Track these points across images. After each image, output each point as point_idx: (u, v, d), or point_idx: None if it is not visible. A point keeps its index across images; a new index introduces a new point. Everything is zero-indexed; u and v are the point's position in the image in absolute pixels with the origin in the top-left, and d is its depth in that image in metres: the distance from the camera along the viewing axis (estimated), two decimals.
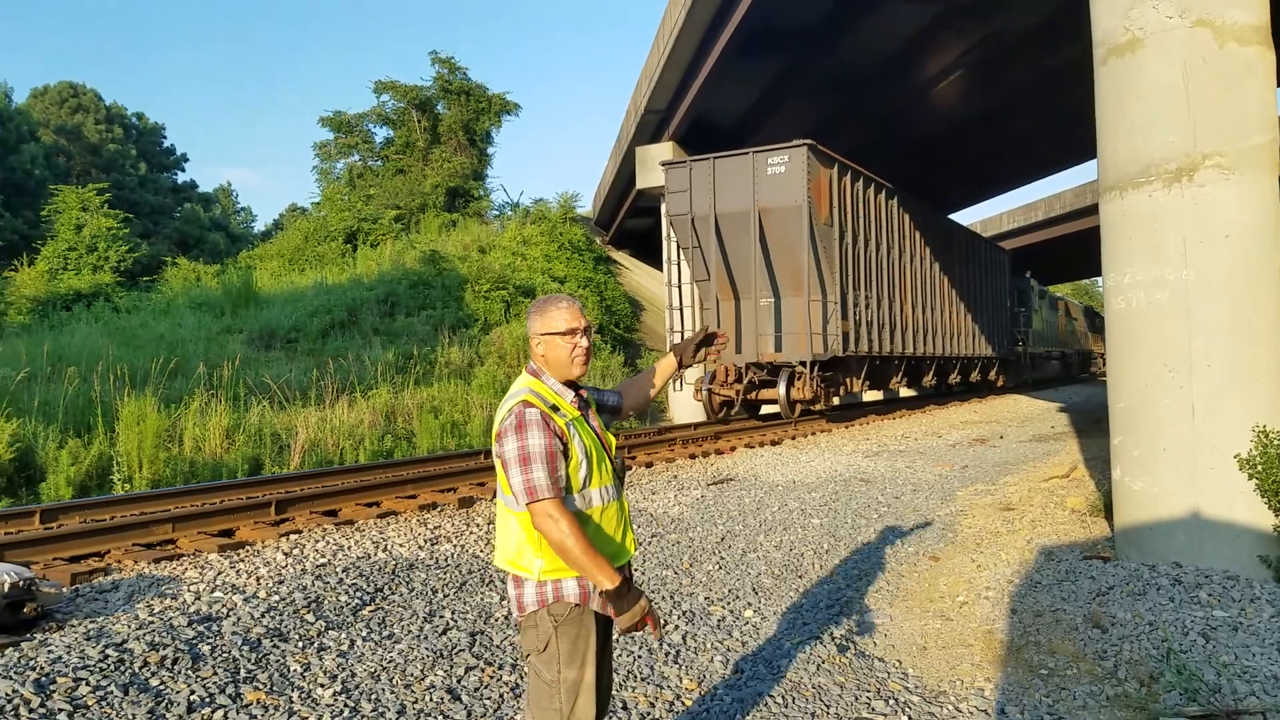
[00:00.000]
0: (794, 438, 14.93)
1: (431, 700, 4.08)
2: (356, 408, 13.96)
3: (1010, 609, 5.55)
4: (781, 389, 15.69)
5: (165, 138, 51.25)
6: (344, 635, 4.85)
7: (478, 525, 7.67)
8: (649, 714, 4.01)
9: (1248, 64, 6.09)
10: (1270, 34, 6.17)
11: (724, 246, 16.17)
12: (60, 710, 3.72)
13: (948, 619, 5.47)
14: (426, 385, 16.15)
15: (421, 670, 4.41)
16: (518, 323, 21.71)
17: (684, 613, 5.41)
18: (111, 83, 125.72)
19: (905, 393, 23.52)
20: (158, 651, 4.37)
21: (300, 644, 4.69)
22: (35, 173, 35.76)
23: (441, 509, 8.32)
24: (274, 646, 4.62)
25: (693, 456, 12.32)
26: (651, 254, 30.88)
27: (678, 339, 17.78)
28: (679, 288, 18.02)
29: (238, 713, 3.86)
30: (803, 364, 15.39)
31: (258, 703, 3.97)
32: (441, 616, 5.22)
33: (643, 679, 4.39)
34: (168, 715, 3.78)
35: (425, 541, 7.00)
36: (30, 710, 3.70)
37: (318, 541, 6.89)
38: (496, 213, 36.02)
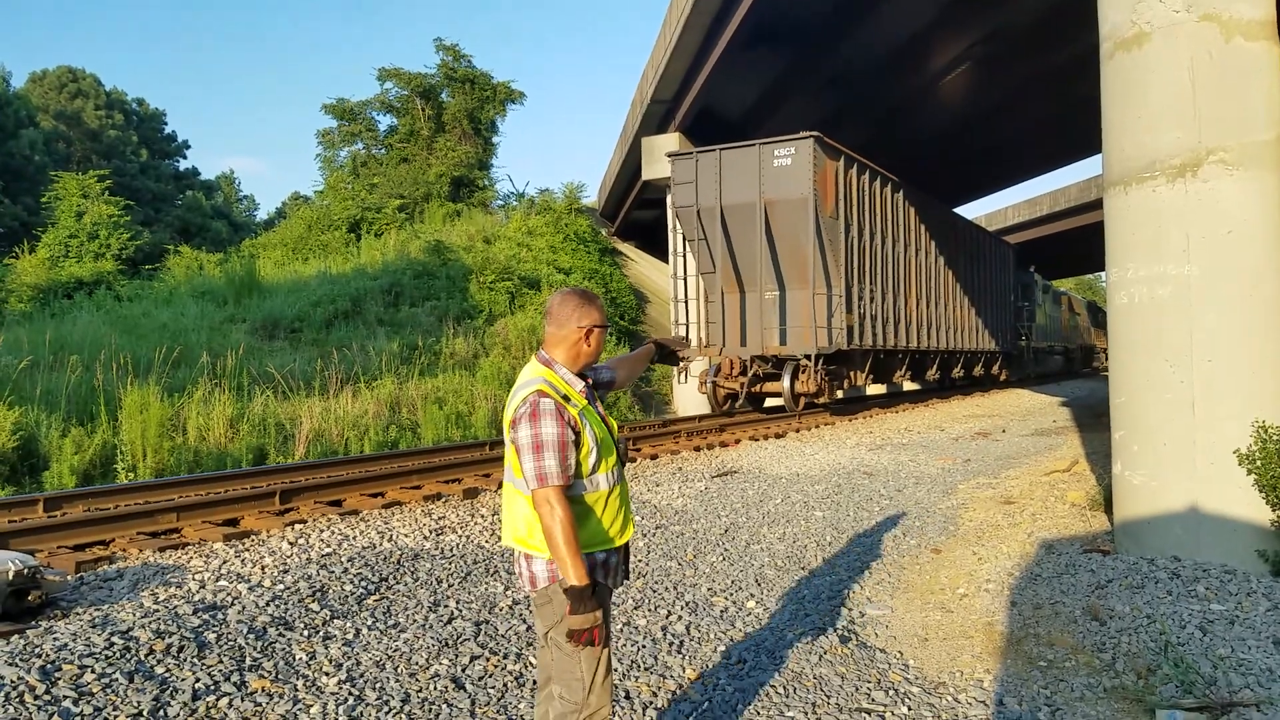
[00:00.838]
0: (798, 430, 14.95)
1: (436, 689, 4.12)
2: (361, 398, 13.99)
3: (1010, 601, 5.58)
4: (786, 382, 15.70)
5: (166, 124, 51.25)
6: (349, 624, 4.89)
7: (482, 516, 7.70)
8: (652, 703, 4.04)
9: (1254, 59, 6.08)
10: (1276, 29, 6.16)
11: (729, 239, 16.17)
12: (66, 697, 3.76)
13: (948, 611, 5.50)
14: (431, 376, 16.18)
15: (426, 659, 4.45)
16: (522, 314, 21.72)
17: (687, 603, 5.45)
18: (111, 68, 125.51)
19: (908, 386, 23.53)
20: (163, 639, 4.41)
21: (305, 633, 4.73)
22: (35, 158, 35.77)
23: (446, 499, 8.36)
24: (279, 635, 4.66)
25: (697, 449, 12.36)
26: (657, 246, 30.85)
27: (683, 331, 17.79)
28: (684, 280, 18.03)
29: (243, 700, 3.90)
30: (807, 357, 15.40)
31: (263, 691, 4.01)
32: (446, 606, 5.25)
33: (646, 668, 4.43)
34: (173, 703, 3.82)
35: (430, 532, 7.04)
36: (36, 697, 3.74)
37: (323, 531, 6.93)
38: (501, 203, 36.00)
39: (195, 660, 4.25)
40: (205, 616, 4.81)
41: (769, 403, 17.92)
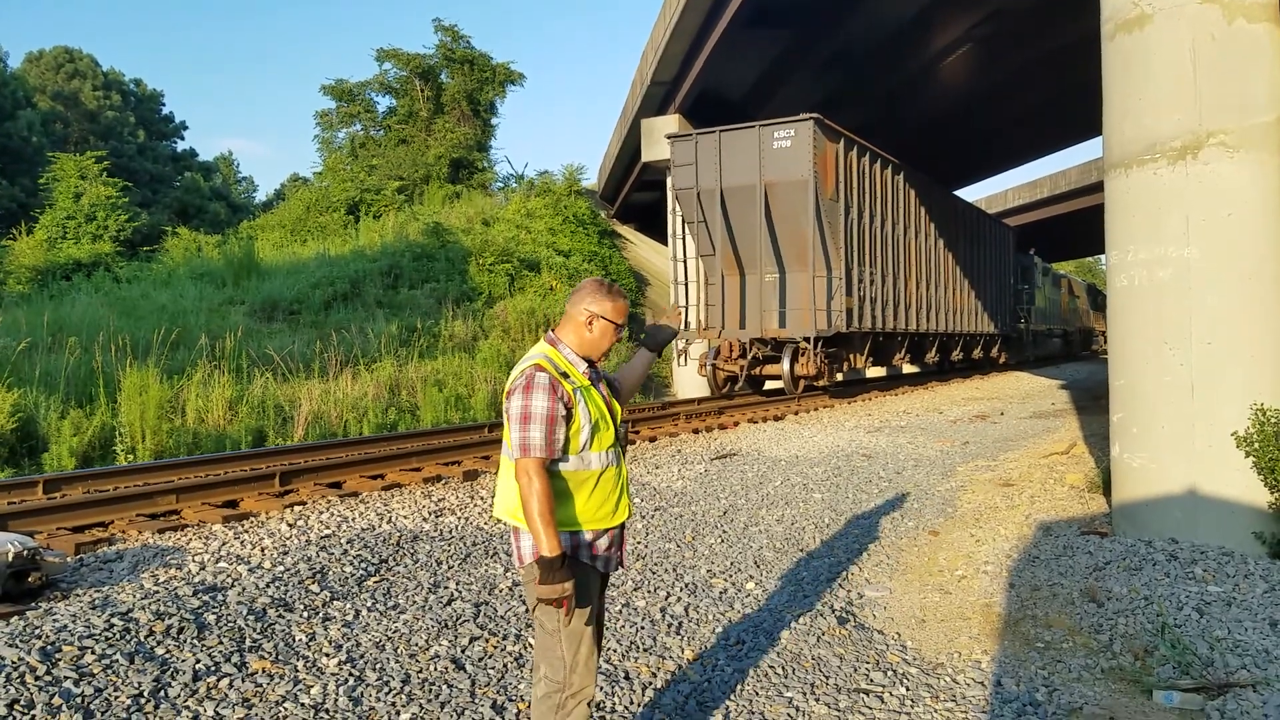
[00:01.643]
0: (797, 413, 14.97)
1: (436, 670, 4.13)
2: (360, 380, 13.99)
3: (1008, 583, 5.60)
4: (785, 364, 15.70)
5: (164, 105, 50.94)
6: (349, 605, 4.90)
7: (482, 498, 7.72)
8: (651, 684, 4.06)
9: (1255, 41, 6.04)
10: (1278, 11, 6.12)
11: (729, 221, 16.12)
12: (66, 678, 3.78)
13: (946, 592, 5.52)
14: (430, 358, 16.17)
15: (426, 640, 4.46)
16: (521, 296, 21.68)
17: (686, 585, 5.47)
18: (109, 48, 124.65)
19: (908, 369, 23.53)
20: (163, 621, 4.42)
21: (305, 614, 4.74)
22: (32, 139, 35.57)
23: (446, 481, 8.37)
24: (279, 616, 4.67)
25: (696, 431, 12.37)
26: (657, 228, 30.77)
27: (682, 314, 17.74)
28: (684, 262, 18.00)
29: (243, 681, 3.92)
30: (806, 340, 15.40)
31: (263, 671, 4.03)
32: (446, 587, 5.27)
33: (645, 649, 4.45)
34: (173, 683, 3.84)
35: (429, 514, 7.06)
36: (36, 678, 3.75)
37: (322, 513, 6.94)
38: (500, 185, 35.88)
39: (195, 641, 4.26)
40: (205, 598, 4.82)
41: (768, 385, 17.93)
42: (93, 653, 4.02)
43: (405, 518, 6.89)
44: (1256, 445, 5.86)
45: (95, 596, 4.79)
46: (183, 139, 51.94)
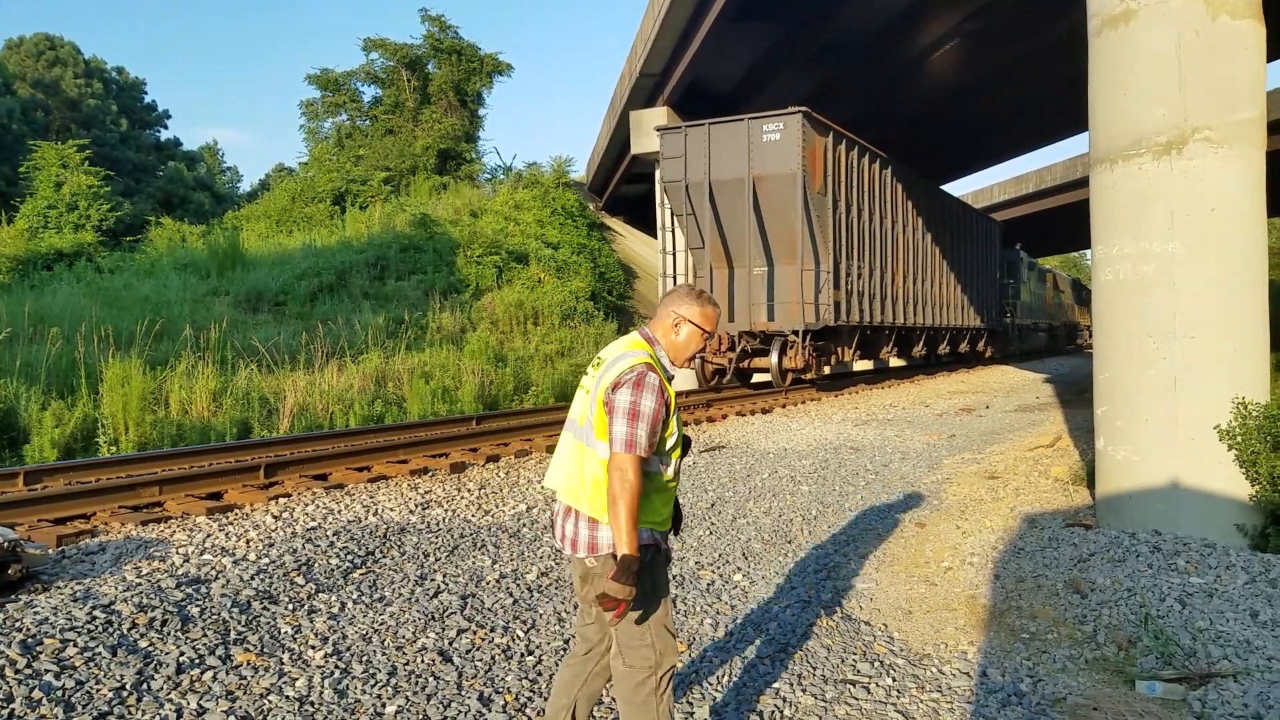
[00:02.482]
0: (784, 406, 14.99)
1: (423, 662, 4.12)
2: (346, 372, 13.91)
3: (994, 574, 5.63)
4: (773, 357, 15.72)
5: (146, 93, 50.40)
6: (334, 598, 4.88)
7: (469, 490, 7.70)
8: None
9: (1239, 37, 6.07)
10: (1261, 8, 6.15)
11: (718, 214, 16.12)
12: (47, 671, 3.74)
13: (933, 584, 5.54)
14: (418, 350, 16.10)
15: (413, 633, 4.45)
16: (510, 289, 21.61)
17: (674, 577, 5.47)
18: (90, 35, 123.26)
19: (895, 363, 23.62)
20: (146, 613, 4.39)
21: (290, 606, 4.72)
22: (12, 127, 35.18)
23: (433, 474, 8.34)
24: (264, 609, 4.65)
25: (684, 424, 12.35)
26: (645, 221, 30.73)
27: None
28: (673, 255, 17.97)
29: (228, 674, 3.89)
30: (795, 333, 15.42)
31: (248, 664, 4.00)
32: (433, 580, 5.25)
33: None
34: (156, 676, 3.81)
35: (416, 506, 7.03)
36: (17, 671, 3.72)
37: (307, 505, 6.91)
38: (488, 176, 35.69)
39: (179, 634, 4.24)
40: (189, 590, 4.79)
41: (756, 378, 17.95)
42: (75, 645, 3.99)
43: (392, 510, 6.87)
44: (1239, 438, 5.91)
45: (77, 589, 4.75)
46: (166, 128, 51.39)
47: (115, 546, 5.65)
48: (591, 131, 35.04)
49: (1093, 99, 6.67)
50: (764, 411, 14.16)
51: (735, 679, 4.08)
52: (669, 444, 2.84)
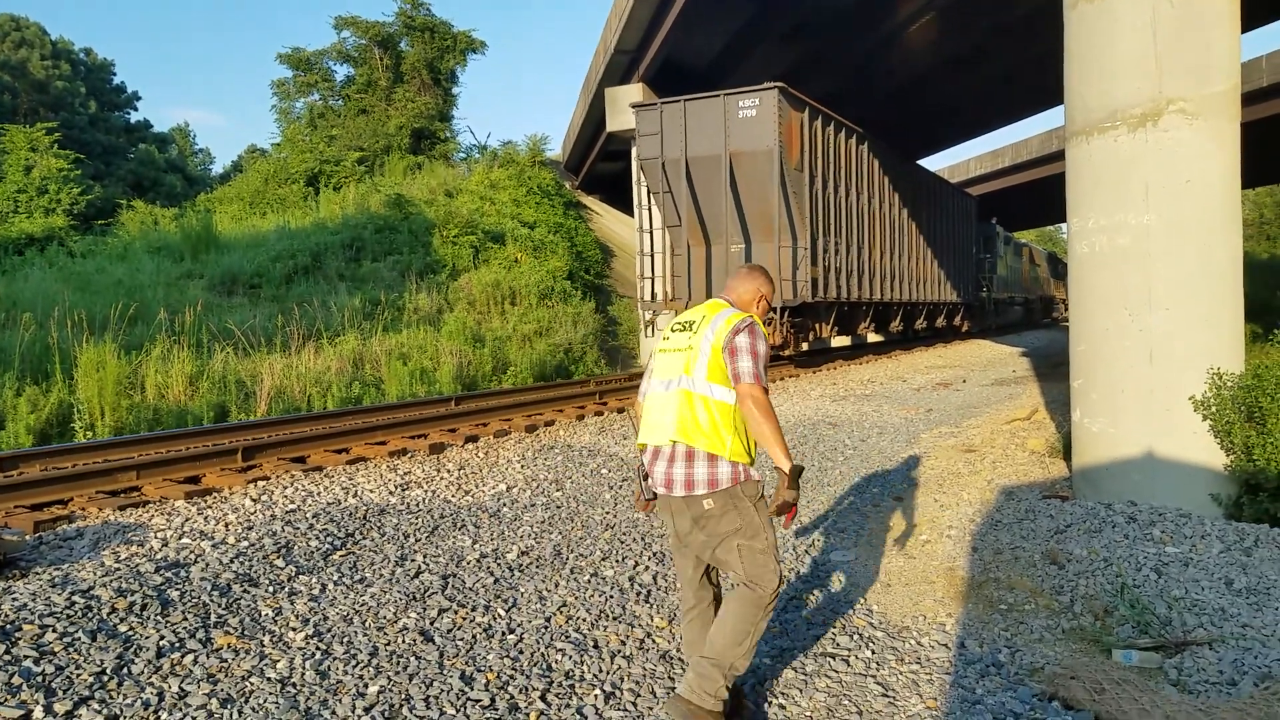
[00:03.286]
0: None
1: (404, 642, 4.12)
2: (323, 354, 13.80)
3: (971, 547, 5.69)
4: None
5: (115, 74, 49.46)
6: (315, 580, 4.86)
7: (448, 471, 7.68)
8: (620, 651, 4.08)
9: (1214, 10, 6.10)
10: None
11: (695, 191, 16.07)
12: (26, 657, 3.71)
13: (911, 557, 5.59)
14: (395, 332, 15.99)
15: (394, 613, 4.44)
16: (486, 269, 21.47)
17: (654, 554, 5.49)
18: (56, 16, 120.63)
19: (873, 338, 23.73)
20: (125, 598, 4.36)
21: (271, 589, 4.70)
22: None
23: (412, 455, 8.31)
24: (244, 591, 4.62)
25: None
26: (622, 199, 30.56)
27: (649, 285, 17.71)
28: (650, 233, 17.91)
29: (208, 657, 3.87)
30: (773, 310, 15.45)
31: (228, 647, 3.99)
32: (413, 560, 5.24)
33: (614, 618, 4.46)
34: (137, 660, 3.79)
35: (396, 487, 7.01)
36: None
37: (286, 488, 6.86)
38: (463, 155, 35.34)
39: (159, 618, 4.21)
40: (168, 574, 4.75)
41: None
42: (54, 631, 3.95)
43: (371, 491, 6.84)
44: (1214, 409, 5.99)
45: (55, 574, 4.70)
46: (136, 110, 50.45)
47: (93, 532, 5.59)
48: (567, 109, 34.82)
49: (1068, 72, 6.68)
50: None
51: None
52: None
